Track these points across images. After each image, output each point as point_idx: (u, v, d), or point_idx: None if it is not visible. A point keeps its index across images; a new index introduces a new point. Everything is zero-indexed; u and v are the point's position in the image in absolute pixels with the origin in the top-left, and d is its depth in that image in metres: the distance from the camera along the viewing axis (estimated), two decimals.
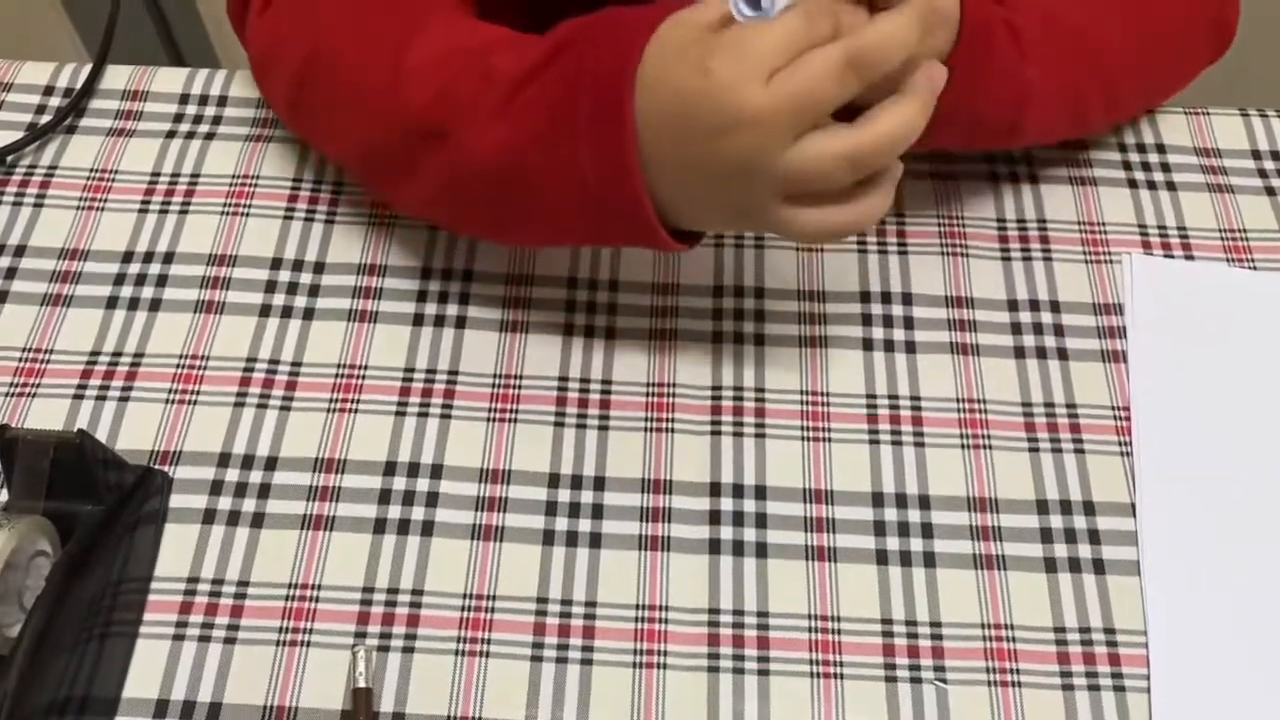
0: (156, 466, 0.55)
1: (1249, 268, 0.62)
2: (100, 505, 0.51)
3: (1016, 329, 0.60)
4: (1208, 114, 0.68)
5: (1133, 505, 0.55)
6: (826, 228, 0.47)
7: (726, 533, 0.54)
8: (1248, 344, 0.59)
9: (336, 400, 0.57)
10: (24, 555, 0.48)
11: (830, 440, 0.56)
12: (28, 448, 0.49)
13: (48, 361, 0.58)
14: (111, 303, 0.60)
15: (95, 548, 0.50)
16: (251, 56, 0.62)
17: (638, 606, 0.52)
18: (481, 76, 0.49)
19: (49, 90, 0.68)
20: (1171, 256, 0.63)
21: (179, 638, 0.50)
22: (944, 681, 0.50)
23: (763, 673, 0.50)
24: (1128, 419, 0.57)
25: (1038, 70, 0.54)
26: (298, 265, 0.61)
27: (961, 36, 0.50)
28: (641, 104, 0.44)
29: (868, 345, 0.59)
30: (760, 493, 0.55)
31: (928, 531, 0.54)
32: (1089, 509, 0.55)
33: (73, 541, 0.49)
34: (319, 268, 0.61)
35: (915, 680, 0.50)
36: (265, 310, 0.60)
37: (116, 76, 0.68)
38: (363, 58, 0.55)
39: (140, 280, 0.61)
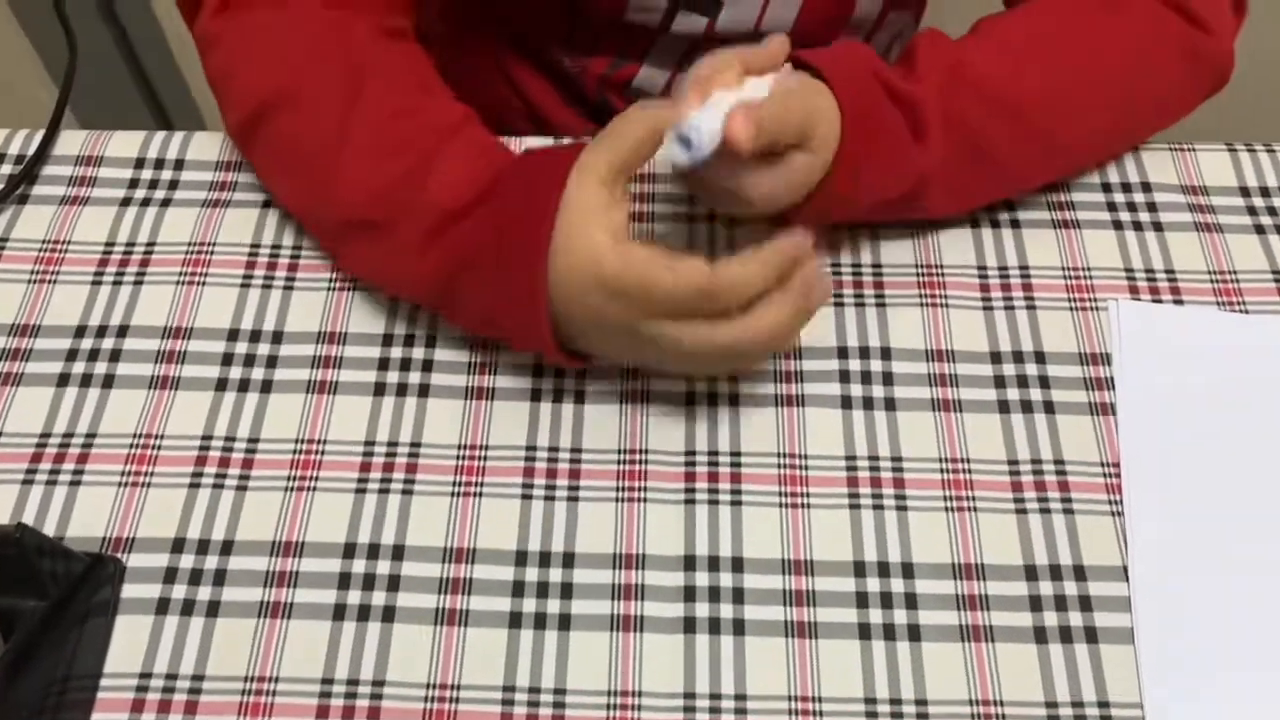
0: (109, 554, 0.52)
1: (1240, 311, 0.60)
2: (44, 599, 0.49)
3: (1000, 382, 0.58)
4: (1193, 150, 0.66)
5: (1125, 569, 0.52)
6: (709, 341, 0.50)
7: (702, 610, 0.51)
8: (1241, 392, 0.57)
9: (295, 478, 0.55)
10: None
11: (809, 506, 0.54)
12: None
13: None
14: (63, 380, 0.58)
15: (39, 644, 0.48)
16: (206, 72, 0.62)
17: (609, 693, 0.49)
18: (416, 191, 0.54)
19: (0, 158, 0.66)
20: (1160, 301, 0.60)
21: None
22: None
23: None
24: (1118, 476, 0.55)
25: (939, 145, 0.56)
26: (255, 336, 0.59)
27: (845, 131, 0.54)
28: (554, 264, 0.51)
29: (846, 403, 0.57)
30: (737, 565, 0.53)
31: (912, 602, 0.52)
32: (1079, 573, 0.52)
33: (13, 640, 0.47)
34: (277, 337, 0.59)
35: None
36: (221, 384, 0.58)
37: (71, 142, 0.67)
38: (308, 125, 0.57)
39: (93, 356, 0.59)
